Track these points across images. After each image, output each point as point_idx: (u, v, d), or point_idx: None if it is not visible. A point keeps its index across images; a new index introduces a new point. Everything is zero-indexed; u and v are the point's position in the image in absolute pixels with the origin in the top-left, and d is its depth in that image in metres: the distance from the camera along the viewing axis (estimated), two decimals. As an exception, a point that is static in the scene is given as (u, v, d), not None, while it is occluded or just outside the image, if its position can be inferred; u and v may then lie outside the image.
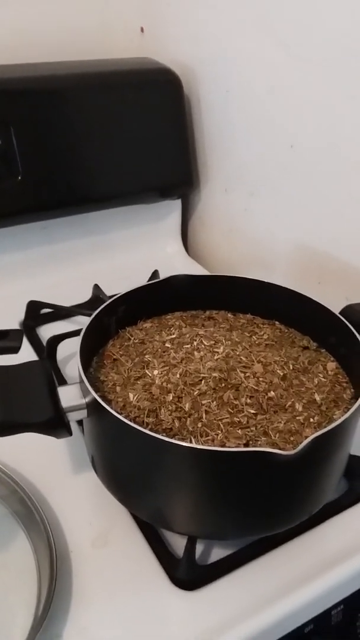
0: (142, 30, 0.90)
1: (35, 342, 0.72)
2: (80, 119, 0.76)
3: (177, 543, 0.50)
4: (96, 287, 0.77)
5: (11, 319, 0.74)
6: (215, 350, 0.53)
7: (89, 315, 0.53)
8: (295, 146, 0.71)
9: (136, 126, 0.80)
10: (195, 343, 0.54)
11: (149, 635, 0.44)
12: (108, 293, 0.74)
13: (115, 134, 0.79)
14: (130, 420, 0.42)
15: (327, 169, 0.68)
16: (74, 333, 0.69)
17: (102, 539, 0.49)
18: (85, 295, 0.78)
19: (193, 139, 0.88)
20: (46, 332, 0.73)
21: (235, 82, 0.77)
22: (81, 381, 0.46)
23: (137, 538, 0.50)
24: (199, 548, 0.49)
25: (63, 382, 0.64)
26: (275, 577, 0.47)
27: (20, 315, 0.75)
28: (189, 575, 0.47)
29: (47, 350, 0.68)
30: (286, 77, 0.69)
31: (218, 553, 0.49)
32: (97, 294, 0.77)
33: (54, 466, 0.56)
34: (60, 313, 0.76)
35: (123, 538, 0.50)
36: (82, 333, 0.50)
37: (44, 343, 0.70)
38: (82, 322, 0.73)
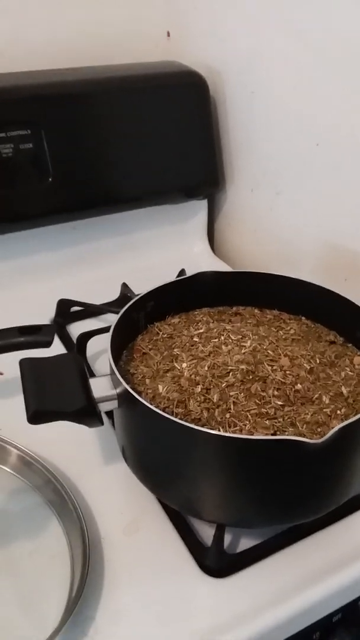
0: (168, 34, 0.91)
1: (65, 339, 0.73)
2: (108, 121, 0.78)
3: (206, 532, 0.51)
4: (124, 286, 0.79)
5: (42, 317, 0.76)
6: (243, 344, 0.54)
7: (118, 312, 0.54)
8: (320, 144, 0.71)
9: (163, 128, 0.81)
10: (222, 337, 0.55)
11: (179, 620, 0.45)
12: (136, 292, 0.76)
13: (142, 136, 0.80)
14: (160, 410, 0.44)
15: (353, 166, 0.68)
16: (103, 330, 0.70)
17: (133, 527, 0.51)
18: (113, 294, 0.79)
19: (219, 140, 0.89)
20: (76, 329, 0.74)
21: (260, 83, 0.78)
22: (112, 373, 0.48)
23: (167, 526, 0.51)
24: (228, 537, 0.50)
25: (93, 377, 0.65)
26: (303, 567, 0.48)
27: (51, 313, 0.77)
28: (217, 563, 0.48)
29: (77, 347, 0.70)
30: (310, 75, 0.70)
31: (246, 542, 0.50)
32: (125, 293, 0.78)
33: (86, 457, 0.57)
34: (89, 311, 0.77)
35: (153, 526, 0.51)
36: (112, 326, 0.51)
37: (74, 340, 0.71)
38: (110, 319, 0.74)
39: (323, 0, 0.65)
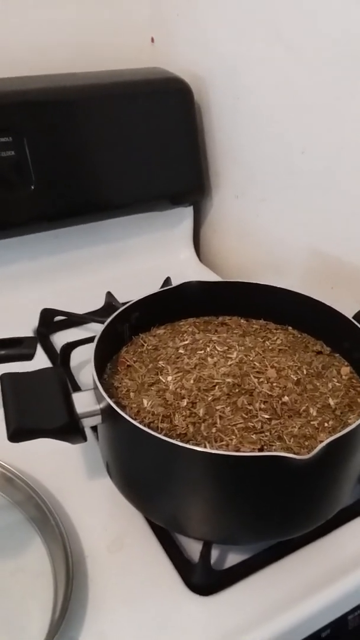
0: (152, 40, 0.91)
1: (49, 350, 0.72)
2: (92, 128, 0.77)
3: (193, 548, 0.50)
4: (109, 295, 0.78)
5: (25, 327, 0.75)
6: (229, 355, 0.53)
7: (102, 322, 0.53)
8: (306, 151, 0.71)
9: (147, 135, 0.81)
10: (208, 349, 0.54)
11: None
12: (121, 300, 0.75)
13: (126, 143, 0.80)
14: (144, 426, 0.43)
15: (339, 173, 0.68)
16: (88, 340, 0.69)
17: (117, 544, 0.49)
18: (98, 303, 0.78)
19: (204, 146, 0.88)
20: (60, 339, 0.73)
21: (245, 89, 0.78)
22: (95, 387, 0.47)
23: (153, 543, 0.50)
24: (215, 553, 0.49)
25: (77, 388, 0.64)
26: (291, 582, 0.47)
27: (34, 323, 0.76)
28: (204, 580, 0.47)
29: (61, 358, 0.69)
30: (295, 81, 0.69)
31: (233, 558, 0.49)
32: (110, 301, 0.77)
33: (69, 472, 0.56)
34: (73, 320, 0.76)
35: (138, 543, 0.50)
36: (96, 339, 0.50)
37: (58, 350, 0.70)
38: (95, 329, 0.74)
39: (306, 5, 0.64)
